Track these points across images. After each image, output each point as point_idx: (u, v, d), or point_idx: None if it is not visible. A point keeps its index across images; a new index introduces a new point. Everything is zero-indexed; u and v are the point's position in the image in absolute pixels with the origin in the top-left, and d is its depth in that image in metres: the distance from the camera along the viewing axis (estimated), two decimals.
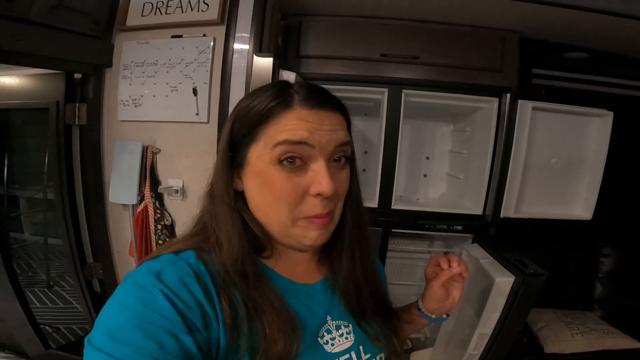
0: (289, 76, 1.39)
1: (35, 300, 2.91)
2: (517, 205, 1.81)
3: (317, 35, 1.71)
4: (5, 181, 2.83)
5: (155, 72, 1.64)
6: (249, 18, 1.41)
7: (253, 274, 0.60)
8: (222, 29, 1.53)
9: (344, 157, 0.64)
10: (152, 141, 1.73)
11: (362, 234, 0.75)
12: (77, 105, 1.79)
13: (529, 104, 1.71)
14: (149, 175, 1.74)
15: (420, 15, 1.68)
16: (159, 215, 1.76)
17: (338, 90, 1.76)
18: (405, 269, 2.28)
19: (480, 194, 1.84)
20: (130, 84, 1.69)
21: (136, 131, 1.75)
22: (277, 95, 0.60)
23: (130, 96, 1.70)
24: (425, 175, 2.24)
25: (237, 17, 1.42)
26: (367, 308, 0.74)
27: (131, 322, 0.48)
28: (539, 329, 2.02)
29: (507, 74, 1.78)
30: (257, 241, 0.64)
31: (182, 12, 1.57)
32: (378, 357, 0.73)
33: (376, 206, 1.82)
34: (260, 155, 0.60)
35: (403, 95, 1.72)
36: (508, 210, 1.80)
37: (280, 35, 1.53)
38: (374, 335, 0.73)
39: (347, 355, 0.67)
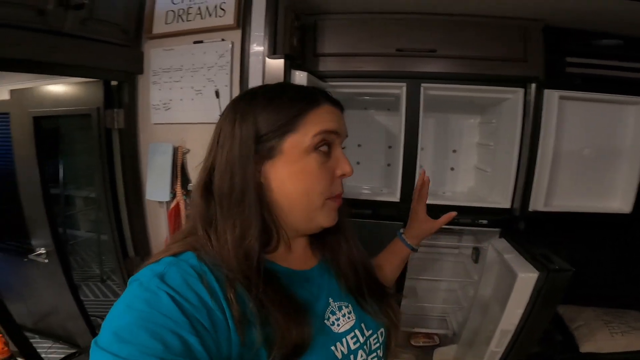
0: (301, 76, 1.43)
1: (89, 294, 3.16)
2: (547, 198, 1.74)
3: (332, 34, 1.73)
4: (61, 182, 3.09)
5: (181, 77, 1.73)
6: (262, 21, 1.46)
7: (258, 269, 0.62)
8: (238, 33, 1.58)
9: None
10: (181, 142, 1.83)
11: (347, 219, 0.83)
12: (115, 110, 1.92)
13: (556, 93, 1.65)
14: (180, 173, 1.84)
15: (435, 8, 1.65)
16: (189, 213, 1.86)
17: (356, 87, 1.80)
18: (433, 264, 2.26)
19: (508, 187, 1.79)
20: (159, 89, 1.80)
21: (167, 133, 1.86)
22: (308, 93, 0.70)
23: (160, 100, 1.81)
24: (452, 169, 2.20)
25: (251, 20, 1.48)
26: (364, 286, 0.79)
27: (137, 323, 0.49)
28: (576, 327, 1.94)
29: (531, 64, 1.72)
30: (265, 237, 0.67)
31: (202, 18, 1.64)
32: (378, 332, 0.77)
33: (398, 200, 1.82)
34: (297, 143, 0.66)
35: (422, 89, 1.71)
36: (537, 203, 1.74)
37: (295, 36, 1.56)
38: (373, 311, 0.78)
39: (352, 334, 0.71)
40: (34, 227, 2.42)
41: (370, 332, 0.75)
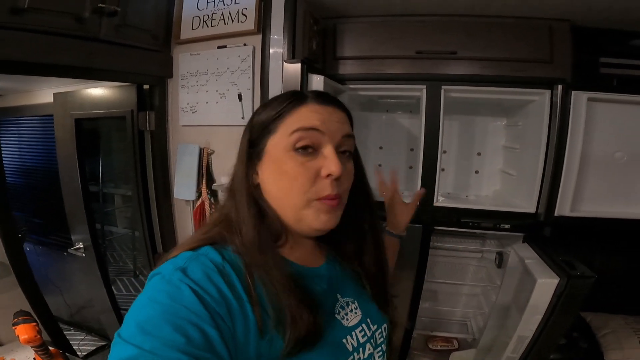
0: (317, 79, 1.46)
1: (122, 288, 3.30)
2: (574, 203, 1.68)
3: (351, 37, 1.75)
4: (100, 180, 3.27)
5: (207, 81, 1.82)
6: (280, 26, 1.50)
7: (272, 255, 0.65)
8: (259, 38, 1.64)
9: (348, 152, 0.73)
10: (207, 143, 1.90)
11: (373, 221, 0.83)
12: (147, 113, 2.02)
13: (584, 95, 1.59)
14: (205, 173, 1.92)
15: (454, 10, 1.64)
16: (213, 210, 1.93)
17: (375, 89, 1.81)
18: (456, 268, 2.23)
19: (533, 191, 1.74)
20: (187, 93, 1.89)
21: (195, 135, 1.94)
22: (292, 95, 0.71)
23: (188, 103, 1.90)
24: (476, 172, 2.17)
25: (270, 25, 1.52)
26: (374, 287, 0.81)
27: (160, 316, 0.50)
28: (603, 335, 1.86)
29: (558, 65, 1.67)
30: (272, 230, 0.70)
31: (225, 23, 1.71)
32: (382, 327, 0.80)
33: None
34: (277, 143, 0.68)
35: (442, 91, 1.70)
36: (563, 208, 1.68)
37: (314, 40, 1.60)
38: (377, 309, 0.80)
39: (360, 327, 0.73)
40: (73, 223, 2.57)
41: (375, 327, 0.77)
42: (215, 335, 0.51)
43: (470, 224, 1.81)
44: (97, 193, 3.33)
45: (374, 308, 0.80)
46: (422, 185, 1.80)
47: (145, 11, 1.70)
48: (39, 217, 3.04)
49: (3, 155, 3.17)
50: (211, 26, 1.75)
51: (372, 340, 0.74)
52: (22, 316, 1.21)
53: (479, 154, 2.15)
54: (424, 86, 1.72)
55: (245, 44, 1.70)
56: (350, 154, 0.73)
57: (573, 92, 1.61)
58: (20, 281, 1.47)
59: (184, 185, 1.97)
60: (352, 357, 0.68)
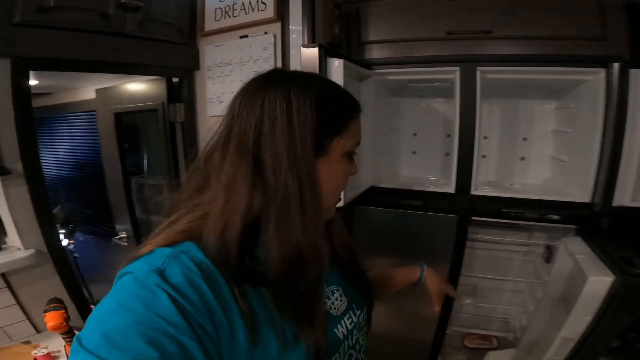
0: (337, 63, 1.37)
1: None
2: (636, 191, 1.50)
3: (376, 21, 1.66)
4: (145, 171, 3.38)
5: (231, 71, 1.81)
6: (299, 13, 1.45)
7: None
8: (279, 26, 1.61)
9: None
10: None
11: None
12: (177, 105, 2.05)
13: None
14: None
15: None
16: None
17: (404, 73, 1.71)
18: (499, 262, 2.08)
19: (588, 179, 1.57)
20: (214, 84, 1.89)
21: None
22: (351, 96, 0.70)
23: (214, 94, 1.90)
24: (522, 158, 2.00)
25: (289, 12, 1.47)
26: (352, 270, 0.81)
27: (131, 326, 0.43)
28: None
29: (613, 42, 1.49)
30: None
31: (245, 13, 1.69)
32: (364, 311, 0.80)
33: (453, 192, 1.71)
34: (341, 146, 0.64)
35: (478, 72, 1.57)
36: (623, 197, 1.51)
37: (336, 25, 1.52)
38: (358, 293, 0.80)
39: (348, 315, 0.73)
40: (117, 213, 2.68)
41: (359, 312, 0.77)
42: (196, 349, 0.45)
43: (512, 214, 1.67)
44: (143, 184, 3.45)
45: (356, 291, 0.79)
46: (458, 172, 1.69)
47: (168, 6, 1.71)
48: (89, 208, 3.19)
49: (58, 149, 3.39)
50: (233, 16, 1.73)
51: (358, 326, 0.75)
52: (53, 303, 1.25)
53: (524, 139, 1.98)
54: (458, 68, 1.60)
55: (266, 32, 1.66)
56: None
57: (631, 71, 1.44)
58: (58, 268, 1.53)
59: None
60: (343, 345, 0.69)
